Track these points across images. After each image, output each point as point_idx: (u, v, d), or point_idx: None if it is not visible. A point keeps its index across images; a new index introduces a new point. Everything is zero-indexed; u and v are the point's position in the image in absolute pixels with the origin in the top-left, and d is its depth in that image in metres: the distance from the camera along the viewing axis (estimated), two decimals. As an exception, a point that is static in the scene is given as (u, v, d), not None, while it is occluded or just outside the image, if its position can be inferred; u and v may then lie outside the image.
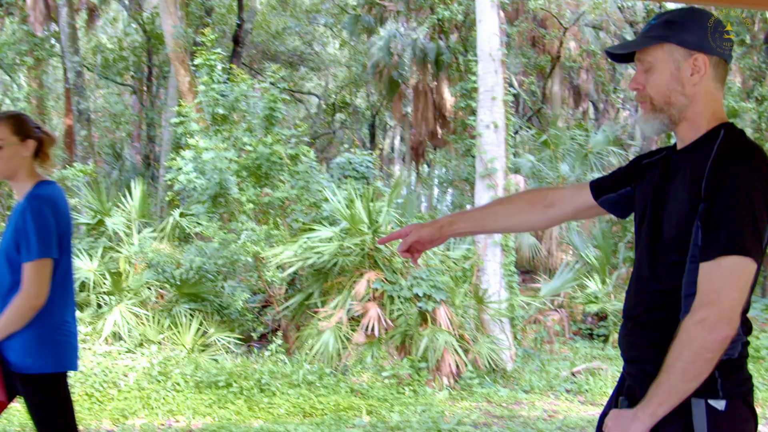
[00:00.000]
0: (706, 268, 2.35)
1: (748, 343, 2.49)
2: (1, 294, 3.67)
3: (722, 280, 2.31)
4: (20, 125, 3.75)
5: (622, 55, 2.70)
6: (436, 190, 34.26)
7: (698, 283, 2.37)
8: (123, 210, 13.51)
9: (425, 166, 34.47)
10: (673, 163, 2.61)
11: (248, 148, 12.29)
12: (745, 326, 2.47)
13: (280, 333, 11.89)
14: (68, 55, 20.72)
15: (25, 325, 3.57)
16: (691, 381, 2.35)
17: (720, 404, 2.41)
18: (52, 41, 24.18)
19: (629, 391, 2.64)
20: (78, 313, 11.04)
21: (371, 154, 15.41)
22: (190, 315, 11.56)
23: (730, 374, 2.43)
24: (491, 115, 12.53)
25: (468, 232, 3.48)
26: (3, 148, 3.67)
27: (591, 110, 34.75)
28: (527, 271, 19.59)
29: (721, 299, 2.30)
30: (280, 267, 12.01)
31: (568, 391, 11.17)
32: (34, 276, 3.55)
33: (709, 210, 2.36)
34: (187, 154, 12.12)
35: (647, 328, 2.58)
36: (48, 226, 3.59)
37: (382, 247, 11.40)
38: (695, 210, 2.40)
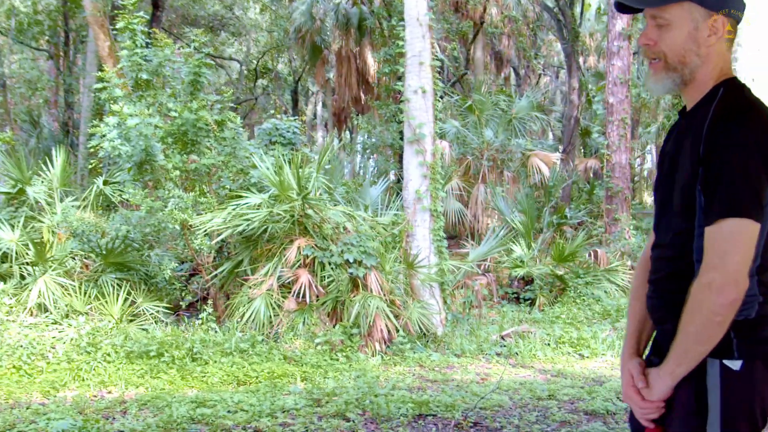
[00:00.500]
0: (708, 233, 2.36)
1: None
2: None
3: (724, 243, 2.33)
4: None
5: (628, 7, 2.66)
6: (359, 157, 34.22)
7: (704, 248, 2.38)
8: (44, 178, 13.19)
9: (348, 132, 34.38)
10: (681, 128, 2.61)
11: (173, 114, 12.06)
12: (764, 286, 2.46)
13: (210, 301, 11.77)
14: (-19, 19, 20.09)
15: None
16: (704, 344, 2.38)
17: (735, 364, 2.41)
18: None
19: (659, 350, 2.66)
20: (1, 285, 10.79)
21: (297, 120, 15.28)
22: (117, 285, 11.37)
23: (746, 334, 2.43)
24: (419, 80, 12.50)
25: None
26: None
27: (512, 76, 35.00)
28: (452, 236, 19.72)
29: (725, 263, 2.31)
30: (208, 235, 11.86)
31: (498, 355, 11.29)
32: None
33: (706, 174, 2.36)
34: (111, 120, 11.84)
35: (666, 293, 2.59)
36: None
37: (312, 213, 11.35)
38: (696, 174, 2.40)
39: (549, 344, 11.86)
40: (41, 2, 26.40)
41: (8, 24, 26.86)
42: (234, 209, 11.46)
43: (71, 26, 26.01)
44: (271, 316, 10.79)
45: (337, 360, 10.16)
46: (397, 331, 11.02)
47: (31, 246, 11.45)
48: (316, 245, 11.17)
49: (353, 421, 7.00)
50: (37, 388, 8.74)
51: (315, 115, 39.41)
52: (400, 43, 13.02)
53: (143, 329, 10.68)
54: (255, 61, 34.70)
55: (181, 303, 12.21)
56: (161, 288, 12.07)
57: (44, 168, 13.28)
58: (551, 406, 7.88)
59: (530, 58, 32.57)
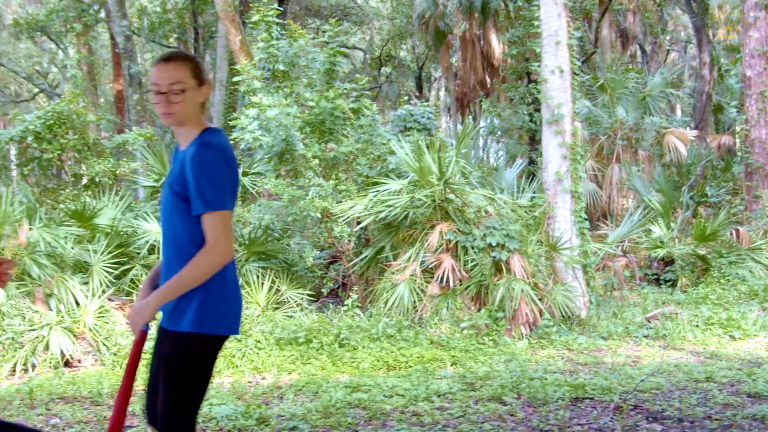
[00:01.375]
0: None
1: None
2: (166, 245, 3.50)
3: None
4: (198, 69, 3.49)
5: None
6: (481, 141, 33.97)
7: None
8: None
9: (471, 117, 34.18)
10: None
11: (310, 103, 12.19)
12: None
13: (355, 288, 11.86)
14: (116, 20, 20.74)
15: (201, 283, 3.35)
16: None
17: None
18: (97, 7, 24.18)
19: None
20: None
21: (430, 105, 15.24)
22: (261, 273, 11.56)
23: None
24: (556, 60, 12.30)
25: None
26: (185, 92, 3.40)
27: (638, 53, 34.17)
28: (587, 218, 19.38)
29: None
30: (348, 222, 11.95)
31: (646, 337, 11.03)
32: (216, 227, 3.30)
33: None
34: (251, 112, 12.04)
35: None
36: (223, 175, 3.35)
37: (453, 197, 11.30)
38: None
39: (698, 326, 11.52)
40: (170, 1, 27.07)
41: (140, 24, 27.64)
42: (374, 196, 11.50)
43: (200, 23, 26.58)
44: (415, 302, 10.79)
45: (484, 344, 10.09)
46: (542, 314, 10.88)
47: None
48: (458, 229, 11.12)
49: (510, 405, 6.94)
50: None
51: (438, 100, 39.33)
52: (536, 23, 12.83)
53: (289, 316, 10.82)
54: (378, 49, 34.82)
55: (322, 290, 12.33)
56: (302, 276, 12.23)
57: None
58: (711, 388, 7.65)
59: (657, 34, 31.72)
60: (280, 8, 13.77)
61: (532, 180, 14.46)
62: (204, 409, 6.74)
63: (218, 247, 3.28)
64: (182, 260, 3.33)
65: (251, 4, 14.33)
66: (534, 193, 13.78)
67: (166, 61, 3.44)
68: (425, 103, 15.48)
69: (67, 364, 9.71)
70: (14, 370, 9.39)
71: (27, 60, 31.36)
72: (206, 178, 3.27)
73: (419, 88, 34.47)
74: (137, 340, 3.46)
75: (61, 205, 13.31)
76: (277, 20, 12.95)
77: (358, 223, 11.77)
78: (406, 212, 11.37)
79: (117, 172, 15.02)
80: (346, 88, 12.81)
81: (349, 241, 12.30)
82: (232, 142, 12.90)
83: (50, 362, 9.46)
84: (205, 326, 3.34)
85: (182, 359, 3.36)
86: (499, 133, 25.48)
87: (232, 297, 3.47)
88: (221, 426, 6.23)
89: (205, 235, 3.30)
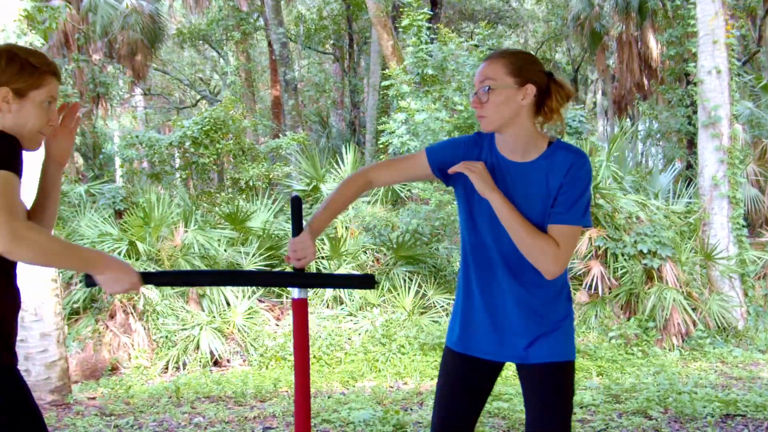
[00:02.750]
0: None
1: None
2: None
3: None
4: (518, 65, 2.99)
5: None
6: (640, 145, 33.15)
7: None
8: (335, 175, 13.68)
9: (628, 119, 33.41)
10: None
11: (459, 107, 12.14)
12: None
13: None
14: (273, 28, 21.19)
15: None
16: None
17: None
18: (256, 15, 24.81)
19: None
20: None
21: (582, 108, 14.95)
22: (408, 277, 11.57)
23: None
24: (713, 60, 11.85)
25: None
26: (494, 90, 2.95)
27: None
28: (748, 224, 18.60)
29: None
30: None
31: (810, 351, 10.50)
32: (570, 242, 3.02)
33: None
34: (399, 116, 12.10)
35: None
36: (590, 193, 3.07)
37: (603, 203, 11.03)
38: None
39: None
40: (326, 8, 27.50)
41: (297, 31, 28.20)
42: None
43: (354, 29, 26.89)
44: (562, 309, 10.58)
45: (633, 354, 9.81)
46: (695, 325, 10.49)
47: (326, 241, 11.89)
48: (608, 236, 10.85)
49: (656, 420, 6.69)
50: (336, 377, 9.05)
51: (594, 103, 38.61)
52: (691, 21, 12.41)
53: (434, 321, 10.79)
54: (533, 52, 34.49)
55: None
56: (449, 280, 12.17)
57: (335, 165, 13.76)
58: None
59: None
60: (430, 12, 13.77)
61: (689, 185, 13.99)
62: (343, 413, 6.79)
63: (564, 261, 3.03)
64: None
65: (402, 9, 14.39)
66: (690, 198, 13.31)
67: (485, 60, 3.07)
68: (577, 107, 15.19)
69: (216, 363, 10.00)
70: (166, 368, 9.73)
71: (190, 68, 32.49)
72: (588, 192, 3.04)
73: (575, 90, 33.92)
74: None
75: (216, 209, 13.72)
76: (427, 24, 12.97)
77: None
78: (553, 218, 11.16)
79: (270, 176, 15.37)
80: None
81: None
82: (381, 146, 12.99)
83: (200, 361, 9.75)
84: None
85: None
86: (657, 136, 24.78)
87: None
88: (358, 431, 6.24)
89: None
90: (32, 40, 7.91)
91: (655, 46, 24.91)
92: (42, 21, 8.83)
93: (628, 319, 10.42)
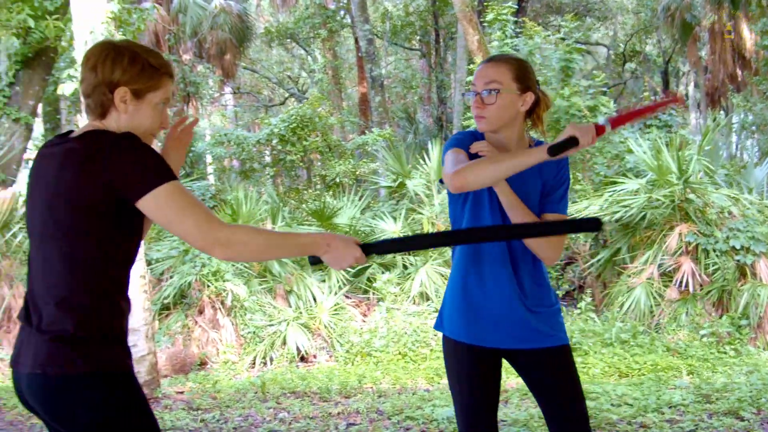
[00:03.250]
0: None
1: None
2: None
3: None
4: (522, 72, 3.15)
5: None
6: (734, 138, 32.36)
7: None
8: (422, 172, 13.64)
9: (722, 112, 32.62)
10: None
11: (546, 102, 11.99)
12: None
13: (588, 291, 11.57)
14: (359, 25, 21.27)
15: None
16: None
17: None
18: (343, 13, 24.97)
19: None
20: (387, 275, 11.25)
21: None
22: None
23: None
24: (810, 49, 11.48)
25: None
26: (500, 93, 3.07)
27: None
28: None
29: None
30: (584, 222, 11.65)
31: None
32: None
33: None
34: (483, 111, 12.00)
35: None
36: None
37: (693, 197, 10.79)
38: None
39: None
40: (412, 4, 27.48)
41: (383, 27, 28.25)
42: (611, 196, 11.18)
43: (440, 24, 26.81)
44: (651, 306, 10.39)
45: (725, 353, 9.56)
46: (792, 322, 10.19)
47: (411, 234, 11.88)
48: (698, 231, 10.59)
49: (748, 421, 6.49)
50: (421, 374, 9.04)
51: (687, 96, 37.82)
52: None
53: (521, 318, 10.69)
54: (622, 45, 33.89)
55: (557, 292, 12.12)
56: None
57: (421, 162, 13.74)
58: None
59: None
60: (515, 6, 13.65)
61: (785, 178, 13.59)
62: (426, 410, 6.77)
63: (561, 247, 3.23)
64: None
65: (487, 3, 14.30)
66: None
67: (488, 62, 3.21)
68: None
69: (302, 359, 10.08)
70: (254, 363, 9.84)
71: (278, 66, 32.81)
72: (568, 178, 3.27)
73: (665, 83, 33.23)
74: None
75: (303, 205, 13.83)
76: (512, 18, 12.86)
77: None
78: (643, 213, 10.96)
79: (357, 173, 15.44)
80: (582, 86, 12.53)
81: (585, 242, 12.01)
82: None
83: (286, 357, 9.83)
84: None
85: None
86: (753, 128, 24.16)
87: None
88: (441, 428, 6.21)
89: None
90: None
91: (749, 37, 24.30)
92: (131, 23, 8.99)
93: (720, 317, 10.15)
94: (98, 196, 2.42)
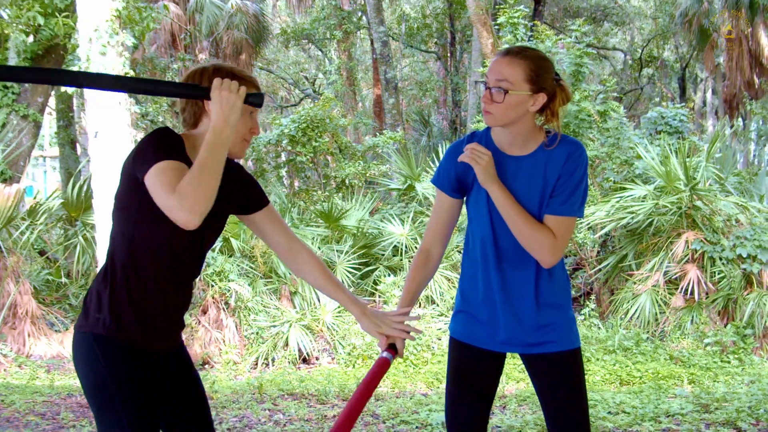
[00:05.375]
0: None
1: None
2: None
3: None
4: (537, 71, 3.01)
5: None
6: (753, 145, 32.14)
7: None
8: (431, 174, 13.59)
9: (740, 119, 32.40)
10: None
11: (556, 105, 11.95)
12: None
13: (593, 297, 11.52)
14: (374, 26, 21.29)
15: None
16: None
17: None
18: (359, 14, 24.98)
19: None
20: (392, 278, 11.23)
21: (684, 107, 14.56)
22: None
23: None
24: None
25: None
26: (509, 93, 2.95)
27: None
28: None
29: None
30: (591, 228, 11.62)
31: None
32: (566, 233, 3.05)
33: None
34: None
35: None
36: (586, 184, 3.11)
37: (700, 204, 10.72)
38: None
39: None
40: (429, 6, 27.47)
41: (399, 30, 28.26)
42: (617, 202, 11.13)
43: (456, 27, 26.79)
44: (656, 313, 10.35)
45: (729, 362, 9.49)
46: (797, 333, 10.11)
47: (419, 240, 11.86)
48: (705, 239, 10.53)
49: None
50: (421, 378, 9.01)
51: (704, 102, 37.61)
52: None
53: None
54: (639, 50, 33.71)
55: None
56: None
57: (432, 165, 13.72)
58: None
59: None
60: (526, 10, 13.62)
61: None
62: (422, 414, 6.75)
63: (560, 251, 3.07)
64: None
65: (498, 7, 14.27)
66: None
67: (505, 54, 3.05)
68: (678, 105, 14.80)
69: (305, 360, 10.07)
70: (256, 364, 9.84)
71: (294, 66, 32.84)
72: (584, 182, 3.08)
73: (682, 89, 33.06)
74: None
75: (312, 207, 13.83)
76: (524, 22, 12.83)
77: (602, 229, 11.42)
78: (650, 219, 10.91)
79: (367, 174, 15.43)
80: (593, 90, 12.49)
81: (593, 248, 11.96)
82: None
83: (288, 358, 9.82)
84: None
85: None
86: (765, 138, 24.02)
87: None
88: (435, 433, 6.19)
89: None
90: (123, 39, 8.09)
91: (766, 43, 24.14)
92: (139, 21, 9.03)
93: (725, 326, 10.08)
94: (129, 181, 2.75)
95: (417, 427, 6.39)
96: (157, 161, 2.61)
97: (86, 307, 2.82)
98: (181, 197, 2.53)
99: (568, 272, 12.12)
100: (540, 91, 3.00)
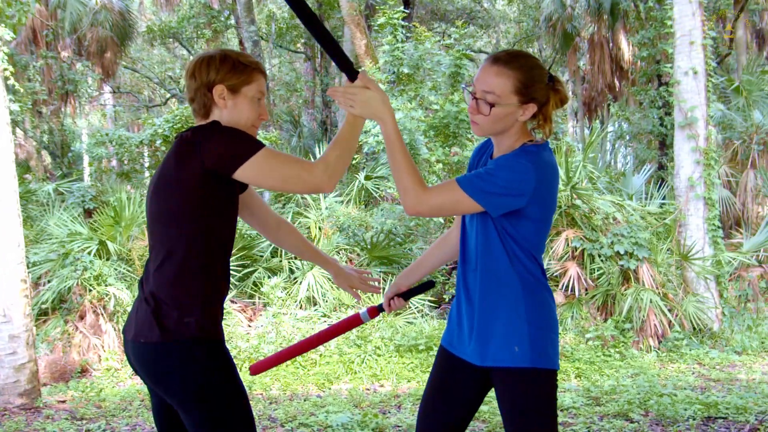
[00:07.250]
0: None
1: None
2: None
3: None
4: (526, 83, 2.83)
5: None
6: (608, 146, 33.23)
7: None
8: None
9: (598, 121, 33.46)
10: None
11: (435, 107, 12.06)
12: None
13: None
14: (245, 26, 21.01)
15: None
16: None
17: None
18: (227, 13, 24.64)
19: None
20: (275, 279, 11.09)
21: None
22: (383, 278, 11.45)
23: None
24: (689, 61, 11.82)
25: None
26: (495, 107, 2.82)
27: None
28: (719, 226, 18.64)
29: None
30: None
31: (785, 352, 10.51)
32: (442, 194, 2.83)
33: None
34: (374, 115, 11.98)
35: None
36: (515, 180, 2.79)
37: (579, 203, 10.98)
38: None
39: None
40: (298, 6, 27.27)
41: (268, 29, 28.00)
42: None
43: (326, 28, 26.73)
44: (538, 310, 10.52)
45: (610, 356, 9.75)
46: (672, 326, 10.46)
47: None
48: (584, 236, 10.80)
49: (638, 422, 6.61)
50: (312, 380, 8.92)
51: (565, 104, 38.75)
52: (668, 22, 12.40)
53: (409, 323, 10.68)
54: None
55: (444, 296, 12.16)
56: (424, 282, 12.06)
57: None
58: None
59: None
60: (406, 11, 13.69)
61: (661, 186, 13.99)
62: (320, 416, 6.67)
63: (426, 206, 2.86)
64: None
65: (377, 8, 14.29)
66: (663, 199, 13.31)
67: (493, 62, 2.86)
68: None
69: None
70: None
71: (160, 66, 32.13)
72: (496, 176, 2.80)
73: (545, 92, 33.92)
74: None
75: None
76: (402, 23, 12.88)
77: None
78: (531, 218, 11.10)
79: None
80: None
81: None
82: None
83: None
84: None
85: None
86: (628, 137, 24.83)
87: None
88: (337, 435, 6.12)
89: None
90: (1, 33, 7.72)
91: (626, 48, 24.99)
92: (11, 16, 8.64)
93: (605, 321, 10.37)
94: (192, 180, 2.72)
95: (318, 429, 6.30)
96: (257, 148, 2.72)
97: (160, 316, 2.77)
98: (327, 165, 2.72)
99: (447, 270, 12.25)
100: (530, 102, 2.85)
